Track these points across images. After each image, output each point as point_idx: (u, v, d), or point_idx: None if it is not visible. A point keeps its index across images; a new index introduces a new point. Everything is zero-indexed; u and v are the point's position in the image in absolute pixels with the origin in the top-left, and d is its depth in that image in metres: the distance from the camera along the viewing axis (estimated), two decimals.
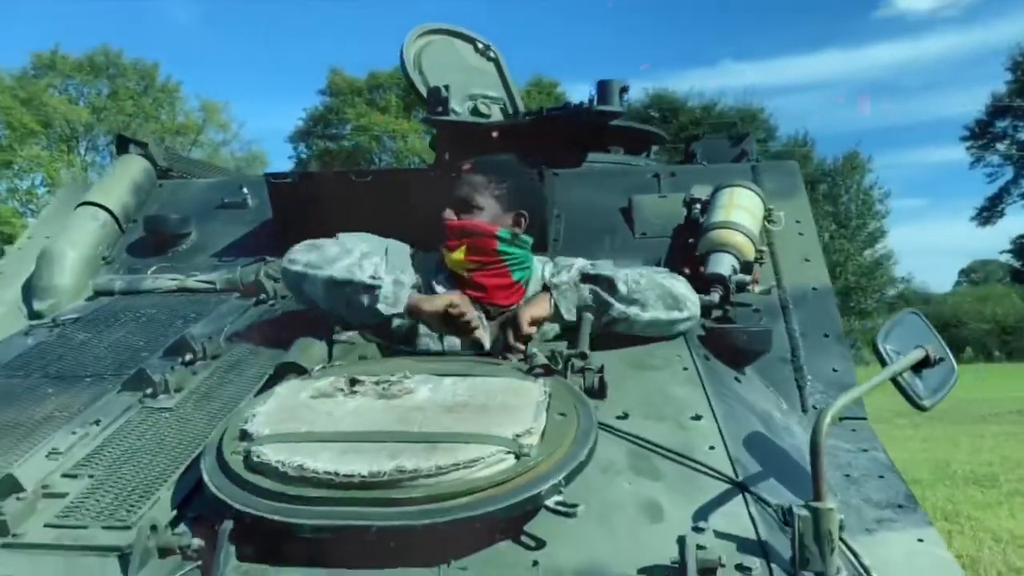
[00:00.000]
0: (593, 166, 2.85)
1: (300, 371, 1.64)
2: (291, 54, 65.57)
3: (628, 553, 1.16)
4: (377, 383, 1.46)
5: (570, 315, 1.82)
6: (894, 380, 1.36)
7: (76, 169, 27.66)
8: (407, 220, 2.11)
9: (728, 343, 1.90)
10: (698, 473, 1.34)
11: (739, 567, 1.13)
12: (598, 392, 1.56)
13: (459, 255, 1.94)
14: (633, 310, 1.82)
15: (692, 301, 1.90)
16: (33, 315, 2.41)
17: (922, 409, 1.40)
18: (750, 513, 1.25)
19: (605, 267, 1.91)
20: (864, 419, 1.88)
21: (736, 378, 1.85)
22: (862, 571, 1.27)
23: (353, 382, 1.47)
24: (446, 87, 3.02)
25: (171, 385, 1.73)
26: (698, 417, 1.51)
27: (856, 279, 28.46)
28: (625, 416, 1.50)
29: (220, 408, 1.64)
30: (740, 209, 2.20)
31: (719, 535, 1.19)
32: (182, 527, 1.25)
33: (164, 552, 1.20)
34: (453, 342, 1.86)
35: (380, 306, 1.83)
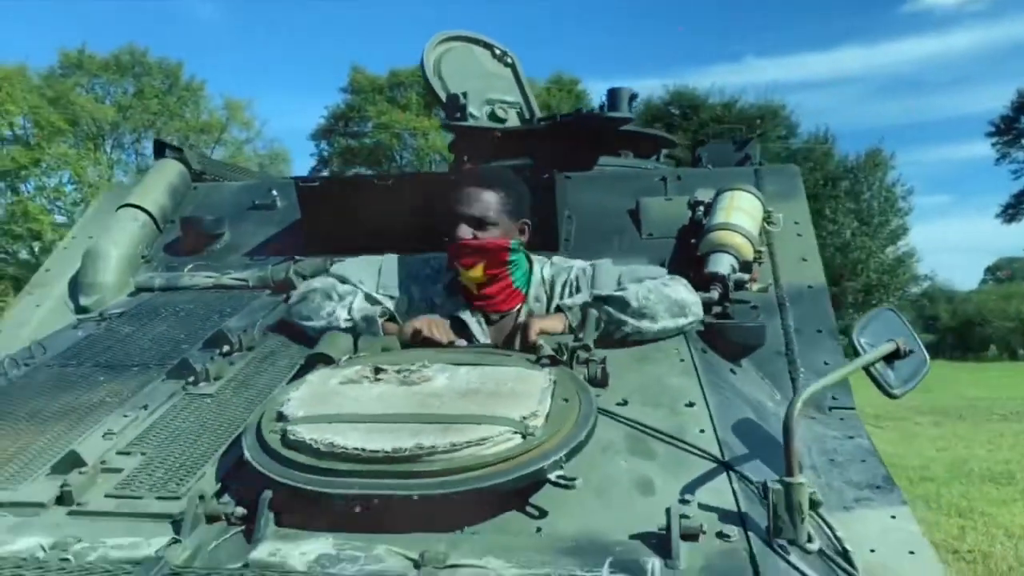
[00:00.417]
0: (604, 169, 2.99)
1: (328, 361, 1.79)
2: (313, 52, 66.03)
3: (621, 522, 1.30)
4: (399, 371, 1.61)
5: (587, 334, 1.88)
6: (867, 370, 1.49)
7: (102, 167, 28.01)
8: (426, 221, 2.26)
9: (725, 338, 2.04)
10: (688, 454, 1.48)
11: (719, 535, 1.27)
12: (600, 381, 1.70)
13: (477, 272, 2.03)
14: (644, 323, 1.94)
15: (696, 305, 2.02)
16: (79, 309, 2.59)
17: (893, 397, 1.53)
18: (733, 489, 1.38)
19: (607, 283, 2.03)
20: (852, 409, 2.00)
21: (732, 370, 1.98)
22: (836, 543, 1.41)
23: (377, 370, 1.62)
24: (464, 94, 3.17)
25: (211, 374, 1.89)
26: (691, 404, 1.64)
27: (878, 276, 28.24)
28: (625, 403, 1.64)
29: (256, 394, 1.80)
30: (740, 211, 2.33)
31: (703, 507, 1.33)
32: (226, 497, 1.40)
33: (211, 518, 1.36)
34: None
35: (360, 341, 1.97)
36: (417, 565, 1.19)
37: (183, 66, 30.75)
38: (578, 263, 2.19)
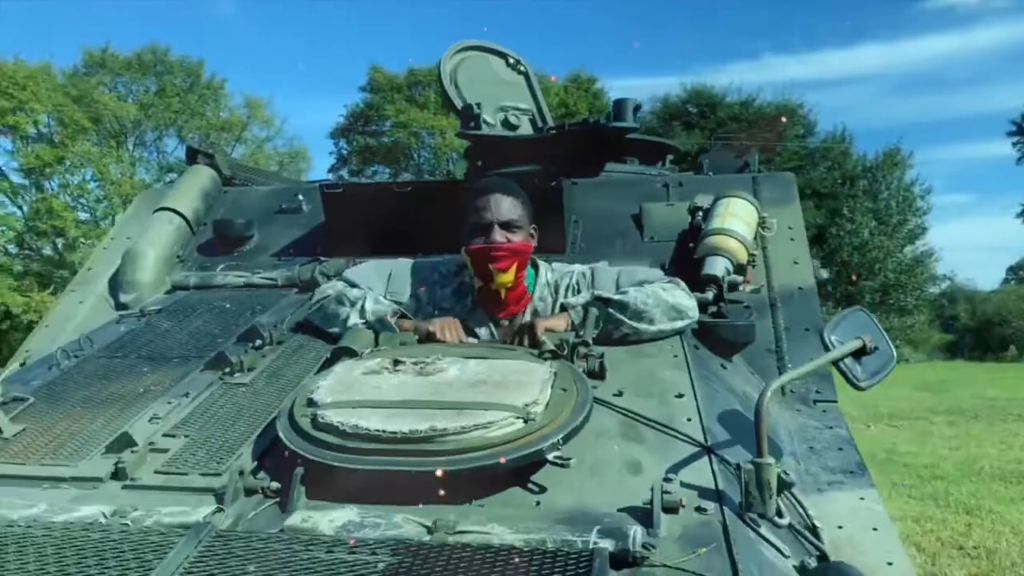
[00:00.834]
0: (611, 176, 3.15)
1: (352, 354, 1.97)
2: (333, 51, 66.36)
3: (611, 497, 1.47)
4: (415, 363, 1.79)
5: (587, 331, 2.04)
6: (836, 365, 1.65)
7: (124, 164, 28.34)
8: (441, 226, 2.43)
9: (717, 335, 2.20)
10: (675, 439, 1.65)
11: (697, 508, 1.43)
12: (598, 374, 1.87)
13: (510, 276, 2.17)
14: (642, 325, 2.10)
15: (692, 308, 2.17)
16: (119, 306, 2.79)
17: (859, 389, 1.69)
18: (712, 469, 1.55)
19: (606, 286, 2.19)
20: (835, 402, 2.16)
21: (722, 365, 2.14)
22: (806, 519, 1.57)
23: (396, 362, 1.80)
24: (478, 104, 3.33)
25: (245, 365, 2.07)
26: (680, 395, 1.81)
27: (896, 276, 28.12)
28: (620, 393, 1.81)
29: (286, 384, 1.98)
30: (735, 217, 2.49)
31: (684, 485, 1.49)
32: (262, 473, 1.58)
33: (249, 492, 1.54)
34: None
35: (380, 337, 2.10)
36: (430, 531, 1.36)
37: (204, 64, 31.05)
38: (577, 267, 2.35)
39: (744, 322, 2.21)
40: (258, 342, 2.20)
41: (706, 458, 1.58)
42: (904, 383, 19.04)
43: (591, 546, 1.28)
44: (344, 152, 36.30)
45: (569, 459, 1.50)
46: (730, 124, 29.24)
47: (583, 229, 2.77)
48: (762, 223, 2.57)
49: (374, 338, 2.09)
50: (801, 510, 1.58)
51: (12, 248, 26.20)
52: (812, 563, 1.42)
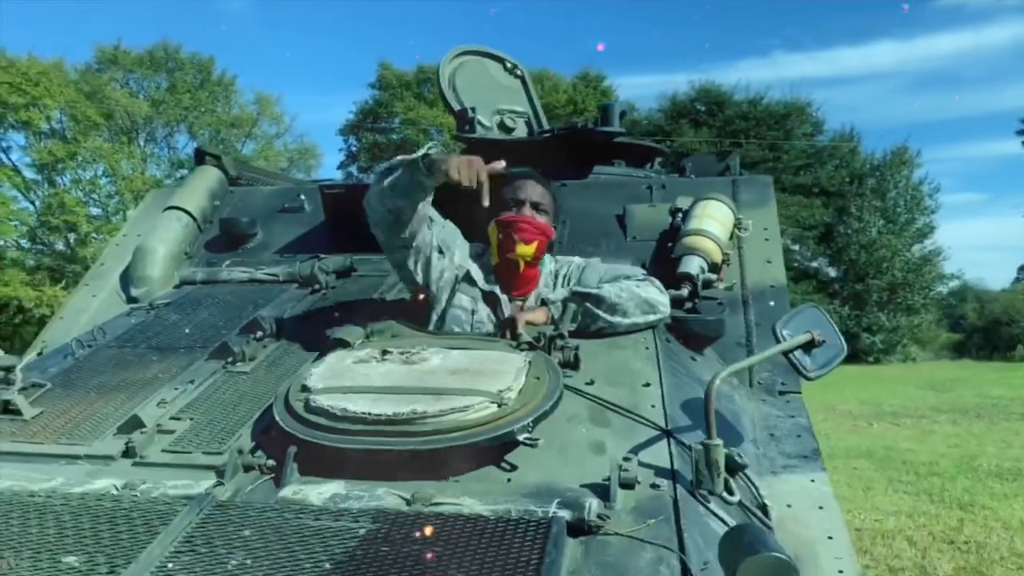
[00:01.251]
0: (598, 178, 3.29)
1: (345, 345, 2.12)
2: (343, 48, 66.57)
3: (576, 475, 1.61)
4: (402, 353, 1.94)
5: (564, 324, 2.19)
6: (786, 356, 1.79)
7: (136, 160, 28.56)
8: None
9: (689, 330, 2.34)
10: (638, 424, 1.79)
11: (652, 485, 1.57)
12: (573, 364, 2.02)
13: (531, 249, 2.34)
14: (617, 319, 2.24)
15: (664, 303, 2.32)
16: (130, 300, 2.95)
17: (807, 379, 1.83)
18: (670, 451, 1.69)
19: (591, 280, 2.33)
20: (798, 393, 2.29)
21: (692, 357, 2.28)
22: (757, 497, 1.71)
23: (384, 352, 1.95)
24: (472, 108, 3.47)
25: (247, 355, 2.23)
26: (647, 384, 1.95)
27: (903, 275, 28.11)
28: (592, 382, 1.96)
29: (284, 372, 2.13)
30: (711, 219, 2.63)
31: (642, 464, 1.63)
32: (259, 452, 1.73)
33: (247, 468, 1.68)
34: (480, 319, 2.32)
35: (432, 152, 2.12)
36: (408, 503, 1.51)
37: (215, 61, 31.28)
38: (576, 259, 2.52)
39: (714, 317, 2.35)
40: (259, 334, 2.35)
41: (665, 441, 1.73)
42: (910, 382, 19.09)
43: (550, 515, 1.43)
44: (353, 149, 36.51)
45: (538, 439, 1.65)
46: (738, 122, 29.29)
47: (570, 228, 2.91)
48: (738, 224, 2.71)
49: (365, 332, 2.24)
50: (753, 489, 1.72)
51: (25, 243, 26.45)
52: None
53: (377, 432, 1.64)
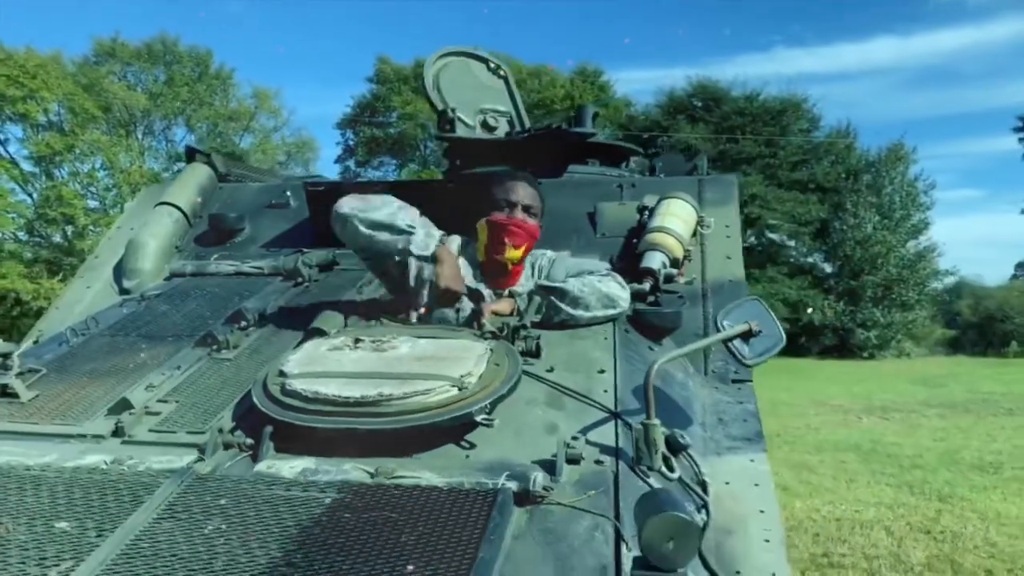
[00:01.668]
0: (573, 176, 3.42)
1: (322, 334, 2.26)
2: (341, 42, 66.53)
3: (528, 452, 1.76)
4: (373, 342, 2.08)
5: (528, 315, 2.33)
6: (725, 344, 1.94)
7: (133, 153, 28.61)
8: None
9: (648, 321, 2.48)
10: (591, 407, 1.94)
11: (596, 461, 1.72)
12: (534, 353, 2.16)
13: (519, 253, 2.47)
14: (579, 311, 2.38)
15: (624, 298, 2.45)
16: (123, 291, 3.09)
17: (745, 367, 1.97)
18: (616, 432, 1.84)
19: (558, 274, 2.47)
20: (750, 381, 2.43)
21: (650, 347, 2.42)
22: (698, 475, 1.86)
23: (357, 341, 2.09)
24: (453, 109, 3.61)
25: (231, 343, 2.37)
26: (602, 371, 2.10)
27: (898, 271, 28.25)
28: (552, 369, 2.10)
29: (265, 359, 2.27)
30: (675, 216, 2.76)
31: (589, 442, 1.77)
32: (238, 432, 1.87)
33: (227, 446, 1.83)
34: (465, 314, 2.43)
35: (412, 248, 2.30)
36: (372, 476, 1.66)
37: (213, 54, 31.35)
38: (549, 252, 2.66)
39: (671, 310, 2.49)
40: (243, 323, 2.49)
41: (612, 423, 1.87)
42: (902, 377, 19.27)
43: (499, 486, 1.57)
44: (351, 143, 36.62)
45: (493, 420, 1.80)
46: (735, 118, 29.40)
47: (544, 224, 3.04)
48: (700, 222, 2.84)
49: (343, 320, 2.37)
50: (695, 467, 1.87)
51: (22, 235, 26.55)
52: (694, 511, 1.70)
53: (346, 413, 1.78)
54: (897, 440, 9.90)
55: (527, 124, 4.16)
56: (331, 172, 37.55)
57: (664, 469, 1.74)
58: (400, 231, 2.34)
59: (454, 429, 1.80)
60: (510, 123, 4.11)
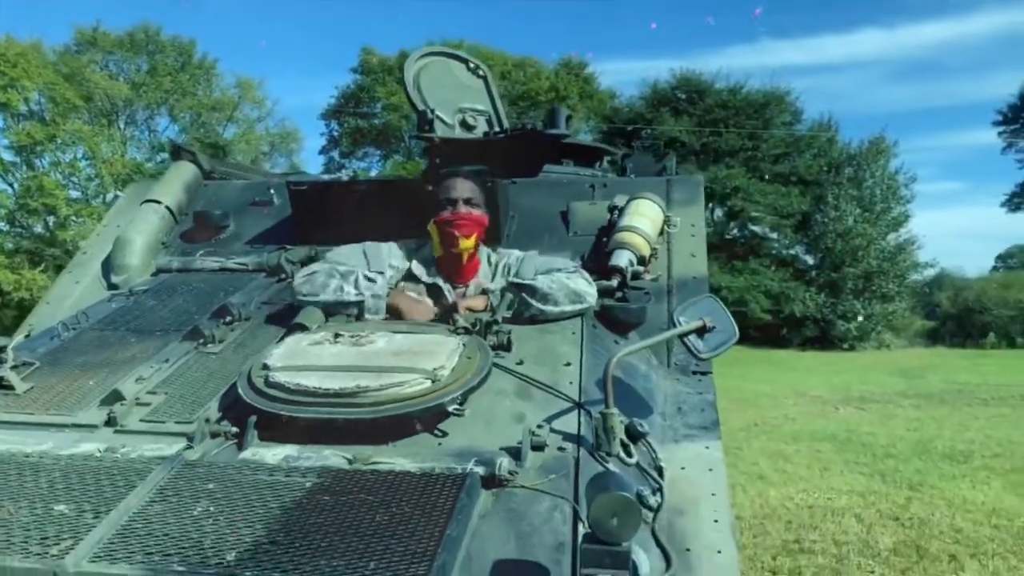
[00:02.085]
0: (547, 176, 3.55)
1: (304, 329, 2.38)
2: (325, 32, 66.19)
3: (496, 440, 1.88)
4: (352, 336, 2.21)
5: (500, 311, 2.46)
6: (680, 339, 2.07)
7: (116, 143, 28.42)
8: (396, 220, 2.83)
9: (614, 316, 2.61)
10: (556, 398, 2.07)
11: (559, 448, 1.86)
12: (505, 347, 2.28)
13: (471, 242, 2.65)
14: (548, 307, 2.50)
15: (591, 294, 2.58)
16: (111, 286, 3.18)
17: (700, 360, 2.11)
18: (579, 421, 1.97)
19: (528, 272, 2.59)
20: (710, 373, 2.56)
21: (616, 341, 2.55)
22: (655, 461, 1.99)
23: (336, 335, 2.22)
24: (432, 110, 3.72)
25: (217, 337, 2.49)
26: (568, 364, 2.23)
27: (878, 263, 28.54)
28: (521, 362, 2.23)
29: (250, 353, 2.38)
30: (642, 216, 2.89)
31: (553, 431, 1.91)
32: (224, 422, 1.99)
33: (214, 435, 1.95)
34: None
35: (367, 315, 2.50)
36: (350, 462, 1.78)
37: (196, 44, 31.17)
38: (516, 252, 2.78)
39: (636, 305, 2.62)
40: (228, 318, 2.60)
41: (575, 412, 2.00)
42: (881, 368, 19.49)
43: (467, 471, 1.71)
44: (335, 134, 36.52)
45: (464, 410, 1.93)
46: (718, 111, 29.60)
47: (518, 223, 3.17)
48: (667, 221, 2.98)
49: (324, 316, 2.49)
50: (652, 454, 2.00)
51: (3, 226, 26.37)
52: (649, 493, 1.83)
53: (326, 404, 1.90)
54: (872, 430, 10.09)
55: (505, 124, 4.27)
56: (315, 163, 37.51)
57: (623, 455, 1.87)
58: (349, 304, 2.52)
59: (427, 418, 1.93)
60: (488, 122, 4.22)
